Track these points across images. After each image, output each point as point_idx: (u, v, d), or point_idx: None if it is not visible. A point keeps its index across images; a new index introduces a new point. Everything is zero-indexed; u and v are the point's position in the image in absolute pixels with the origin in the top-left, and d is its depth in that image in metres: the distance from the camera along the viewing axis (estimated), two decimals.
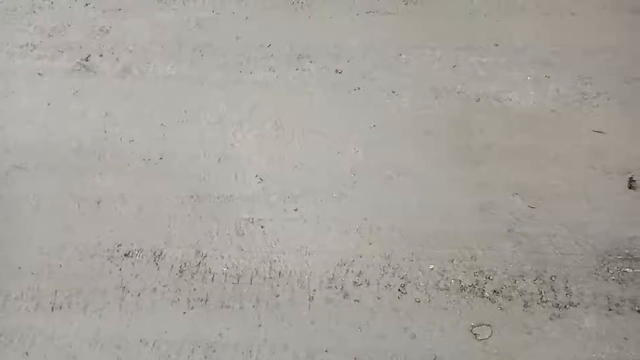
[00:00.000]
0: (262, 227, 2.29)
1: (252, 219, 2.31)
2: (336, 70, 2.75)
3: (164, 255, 2.22)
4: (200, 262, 2.20)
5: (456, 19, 2.91)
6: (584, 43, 2.77)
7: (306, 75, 2.75)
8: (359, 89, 2.68)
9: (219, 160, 2.50)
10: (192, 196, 2.40)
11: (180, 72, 2.82)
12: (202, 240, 2.26)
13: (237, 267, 2.18)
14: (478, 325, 2.01)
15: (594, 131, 2.47)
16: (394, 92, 2.66)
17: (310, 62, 2.79)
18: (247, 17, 3.02)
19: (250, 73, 2.79)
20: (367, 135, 2.53)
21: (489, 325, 2.00)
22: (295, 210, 2.33)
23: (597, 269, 2.10)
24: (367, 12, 2.99)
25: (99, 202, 2.41)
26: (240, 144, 2.54)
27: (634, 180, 2.31)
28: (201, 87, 2.74)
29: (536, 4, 2.89)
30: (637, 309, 2.01)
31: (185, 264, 2.20)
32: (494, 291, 2.07)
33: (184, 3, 3.12)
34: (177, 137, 2.57)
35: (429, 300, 2.07)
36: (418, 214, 2.29)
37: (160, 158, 2.51)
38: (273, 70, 2.78)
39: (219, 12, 3.05)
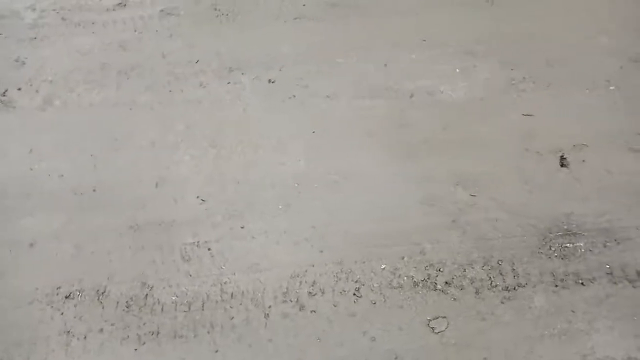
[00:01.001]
0: (208, 249, 2.25)
1: (198, 242, 2.27)
2: (269, 80, 2.75)
3: (108, 293, 2.14)
4: (147, 295, 2.13)
5: (384, 19, 2.98)
6: (505, 30, 2.90)
7: (239, 88, 2.73)
8: (294, 96, 2.70)
9: (156, 185, 2.43)
10: (131, 226, 2.33)
11: (106, 97, 2.73)
12: (147, 271, 2.19)
13: (186, 294, 2.13)
14: (434, 319, 2.05)
15: (523, 115, 2.59)
16: (329, 96, 2.69)
17: (242, 74, 2.78)
18: (171, 35, 2.97)
19: (181, 91, 2.75)
20: (308, 142, 2.55)
21: (444, 317, 2.05)
22: (241, 227, 2.30)
23: (540, 248, 2.20)
24: (295, 19, 3.01)
25: (32, 244, 2.29)
26: (177, 165, 2.48)
27: (564, 158, 2.43)
28: (130, 112, 2.67)
29: None
30: (580, 281, 2.12)
31: (131, 298, 2.12)
32: (446, 282, 2.13)
33: (103, 25, 3.03)
34: (110, 166, 2.49)
35: (385, 301, 2.10)
36: (365, 215, 2.31)
37: (94, 190, 2.42)
38: (204, 87, 2.75)
39: (141, 32, 2.98)
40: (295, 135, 2.56)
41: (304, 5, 3.04)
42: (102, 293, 2.15)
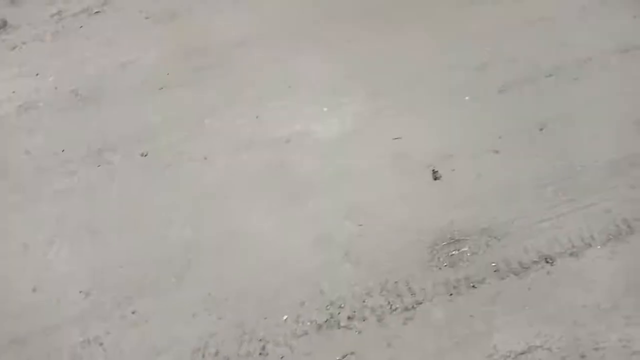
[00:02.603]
0: (100, 344, 2.14)
1: (88, 339, 2.16)
2: (142, 154, 2.74)
3: None
4: None
5: (248, 74, 3.11)
6: (365, 63, 3.13)
7: (111, 169, 2.69)
8: (170, 165, 2.70)
9: (33, 290, 2.31)
10: (12, 340, 2.18)
11: None
12: None
13: None
14: (343, 357, 2.07)
15: (393, 139, 2.76)
16: (205, 158, 2.72)
17: (112, 153, 2.75)
18: (32, 129, 2.90)
19: (50, 185, 2.66)
20: (191, 209, 2.54)
21: (352, 353, 2.08)
22: (132, 312, 2.22)
23: (430, 261, 2.31)
24: (160, 89, 3.06)
25: None
26: (54, 263, 2.38)
27: (436, 171, 2.61)
28: None
29: (313, 40, 3.22)
30: (472, 285, 2.24)
31: None
32: (349, 317, 2.17)
33: None
34: None
35: (292, 352, 2.09)
36: (260, 270, 2.33)
37: None
38: (74, 174, 2.69)
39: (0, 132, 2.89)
40: (177, 203, 2.55)
41: (167, 74, 3.10)
42: None
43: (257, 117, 2.90)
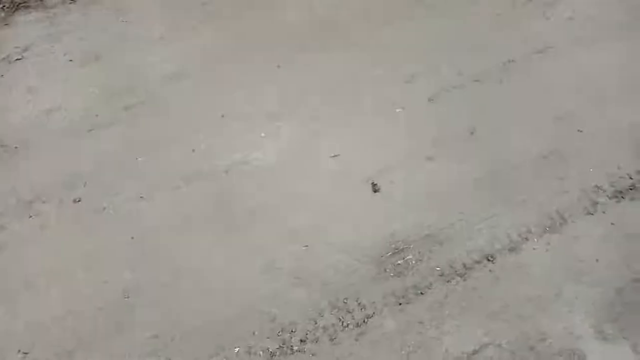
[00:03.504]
0: None
1: None
2: (74, 200, 2.67)
3: None
4: None
5: (177, 108, 3.11)
6: (300, 85, 3.19)
7: (43, 218, 2.61)
8: (105, 208, 2.65)
9: None
10: None
11: None
12: None
13: None
14: None
15: (331, 157, 2.82)
16: (142, 197, 2.68)
17: (43, 202, 2.67)
18: None
19: None
20: (129, 251, 2.49)
21: None
22: None
23: (377, 274, 2.35)
24: (89, 131, 3.01)
25: None
26: None
27: (375, 184, 2.68)
28: None
29: (242, 69, 3.27)
30: (419, 292, 2.29)
31: None
32: (301, 341, 2.16)
33: None
34: None
35: None
36: (208, 305, 2.29)
37: None
38: (5, 229, 2.59)
39: None
40: (115, 247, 2.49)
41: (96, 115, 3.06)
42: None
43: (193, 150, 2.90)
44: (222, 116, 3.03)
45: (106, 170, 2.79)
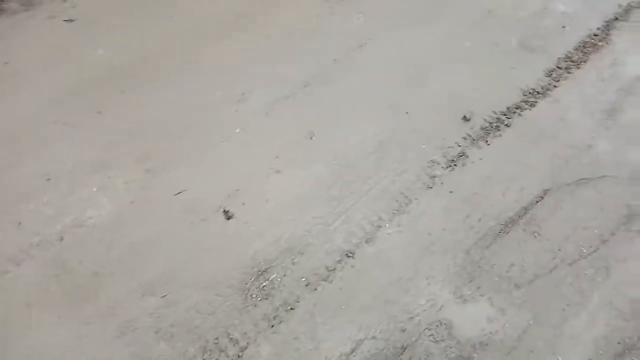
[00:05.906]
0: None
1: None
2: None
3: None
4: None
5: None
6: (125, 127, 3.04)
7: None
8: None
9: None
10: None
11: None
12: None
13: None
14: None
15: (174, 195, 2.72)
16: None
17: None
18: None
19: None
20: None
21: None
22: None
23: (244, 303, 2.31)
24: None
25: None
26: None
27: (227, 211, 2.63)
28: None
29: (59, 124, 3.04)
30: (290, 307, 2.29)
31: None
32: None
33: None
34: None
35: None
36: None
37: None
38: None
39: None
40: None
41: None
42: None
43: (19, 223, 2.62)
44: (48, 179, 2.78)
45: None
